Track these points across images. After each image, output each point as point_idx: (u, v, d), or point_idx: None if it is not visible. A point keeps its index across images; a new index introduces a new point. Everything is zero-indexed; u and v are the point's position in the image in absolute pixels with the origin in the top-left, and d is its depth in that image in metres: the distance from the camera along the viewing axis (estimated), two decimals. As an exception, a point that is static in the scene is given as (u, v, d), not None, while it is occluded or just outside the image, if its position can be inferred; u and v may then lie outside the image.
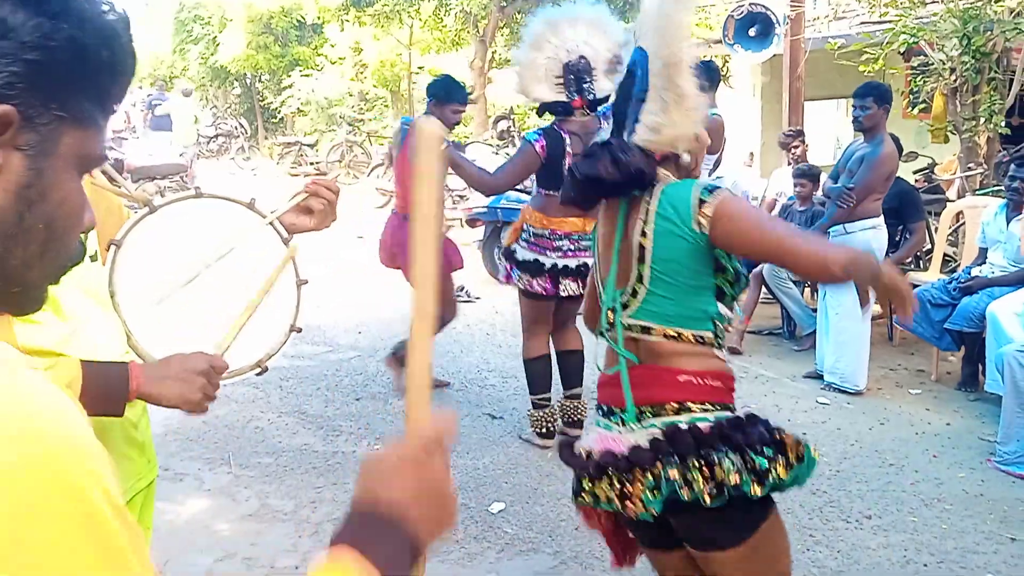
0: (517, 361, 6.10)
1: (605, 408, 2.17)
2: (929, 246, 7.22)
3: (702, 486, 1.95)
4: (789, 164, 7.99)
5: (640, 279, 2.09)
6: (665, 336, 2.08)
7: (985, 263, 5.69)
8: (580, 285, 4.36)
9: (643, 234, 2.07)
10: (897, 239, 6.45)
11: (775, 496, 2.19)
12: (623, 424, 2.08)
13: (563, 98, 4.29)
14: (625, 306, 2.13)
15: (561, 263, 4.39)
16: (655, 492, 1.98)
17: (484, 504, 3.95)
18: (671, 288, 2.06)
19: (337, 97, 20.08)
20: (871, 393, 5.58)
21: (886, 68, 7.99)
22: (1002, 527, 3.78)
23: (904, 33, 7.40)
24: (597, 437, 2.13)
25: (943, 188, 8.30)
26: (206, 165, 18.57)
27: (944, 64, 7.31)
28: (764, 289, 6.64)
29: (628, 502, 2.01)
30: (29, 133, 0.70)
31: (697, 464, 1.96)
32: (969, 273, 5.72)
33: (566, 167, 4.17)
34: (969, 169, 7.56)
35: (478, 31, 16.63)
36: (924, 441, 4.77)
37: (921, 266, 7.21)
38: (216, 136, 21.16)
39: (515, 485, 4.13)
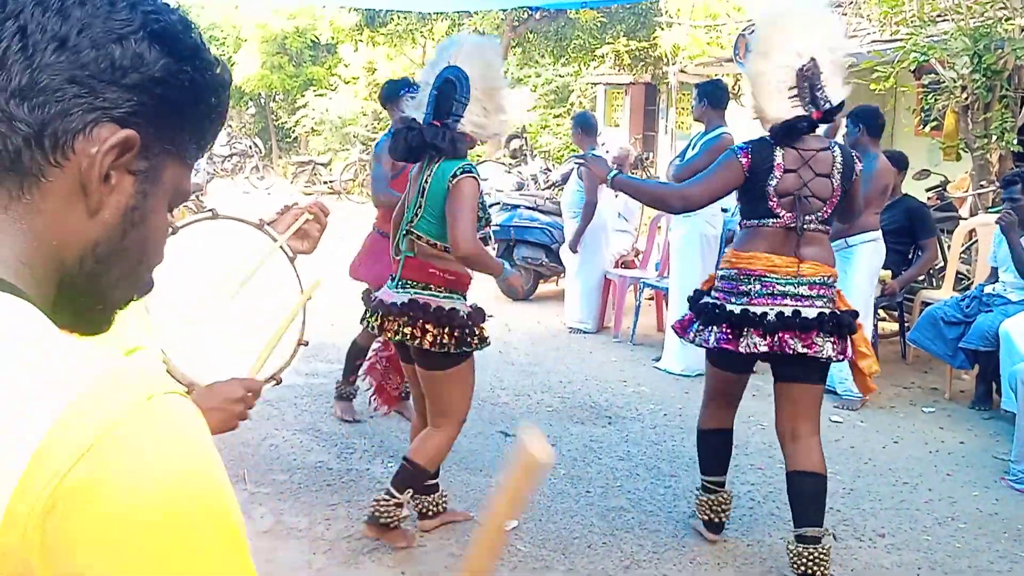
0: (529, 379, 6.13)
1: (392, 276, 3.64)
2: (942, 263, 7.22)
3: (419, 335, 3.44)
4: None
5: (419, 206, 3.51)
6: (427, 243, 3.52)
7: (997, 281, 5.69)
8: (768, 343, 3.37)
9: (426, 181, 3.50)
10: (909, 256, 6.45)
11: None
12: (395, 288, 3.58)
13: (801, 111, 3.40)
14: (411, 220, 3.53)
15: (739, 309, 3.44)
16: (400, 332, 3.48)
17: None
18: (433, 215, 3.47)
19: (351, 116, 20.21)
20: (884, 411, 5.57)
21: (897, 86, 8.00)
22: (1016, 546, 3.77)
23: (915, 51, 7.42)
24: (384, 292, 3.62)
25: (955, 206, 8.29)
26: (220, 184, 18.71)
27: (955, 82, 7.32)
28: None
29: (386, 329, 3.57)
30: (142, 160, 0.77)
31: (420, 323, 3.45)
32: (982, 291, 5.73)
33: (773, 185, 3.42)
34: (981, 187, 7.56)
35: (491, 50, 16.72)
36: (938, 459, 4.76)
37: (934, 284, 7.20)
38: (231, 155, 21.30)
39: (528, 503, 4.14)
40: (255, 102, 25.34)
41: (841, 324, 3.40)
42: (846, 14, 10.36)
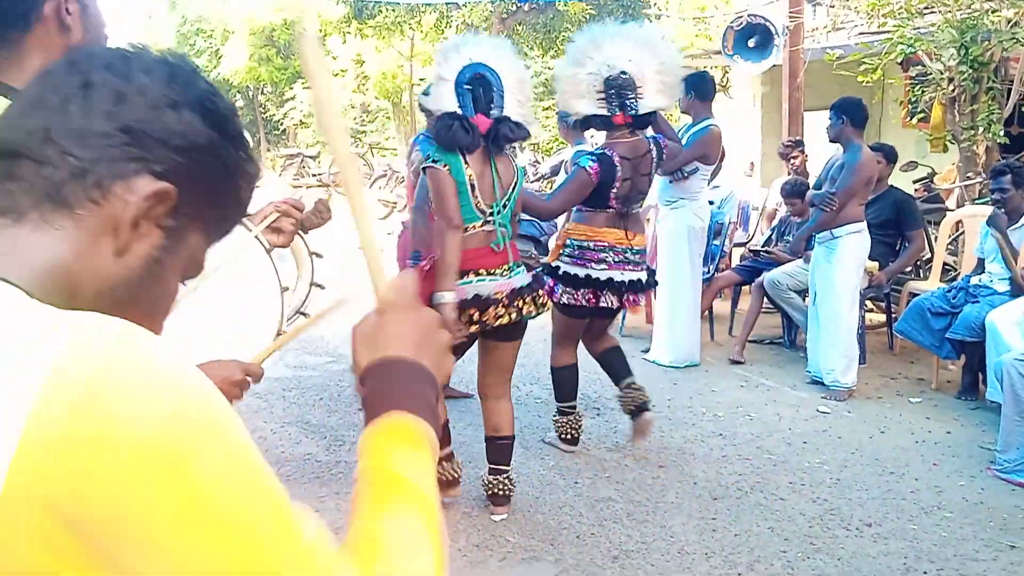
0: (519, 371, 6.11)
1: (498, 266, 3.74)
2: (929, 255, 7.25)
3: (537, 307, 3.79)
4: (789, 174, 8.02)
5: (510, 199, 3.74)
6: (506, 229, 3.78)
7: (984, 272, 5.72)
8: (619, 299, 4.45)
9: (509, 173, 3.75)
10: (896, 248, 6.48)
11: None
12: (511, 273, 3.74)
13: (605, 112, 4.31)
14: (499, 212, 3.71)
15: (604, 275, 4.41)
16: (531, 308, 3.77)
17: (486, 512, 3.97)
18: (513, 203, 3.79)
19: (339, 109, 20.17)
20: (871, 401, 5.60)
21: (885, 78, 8.03)
22: (1002, 535, 3.79)
23: (902, 43, 7.44)
24: (504, 281, 3.70)
25: (942, 197, 8.33)
26: (209, 177, 18.59)
27: (942, 74, 7.35)
28: (765, 299, 6.66)
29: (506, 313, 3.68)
30: (171, 219, 0.82)
31: (538, 295, 3.81)
32: (968, 282, 5.76)
33: (614, 191, 4.33)
34: (968, 178, 7.60)
35: (479, 43, 16.69)
36: (924, 449, 4.79)
37: (921, 275, 7.23)
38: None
39: (517, 494, 4.14)
40: (243, 94, 25.25)
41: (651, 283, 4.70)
42: (834, 6, 10.39)
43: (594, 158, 4.38)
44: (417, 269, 3.63)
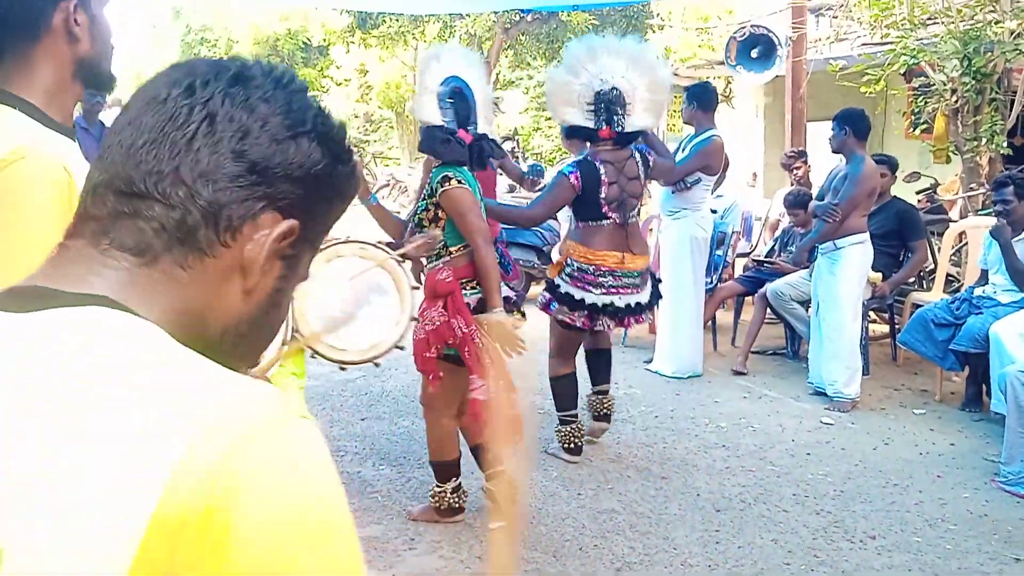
0: (521, 382, 6.11)
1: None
2: (932, 266, 7.24)
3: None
4: (792, 185, 8.02)
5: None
6: None
7: (987, 283, 5.71)
8: (616, 323, 4.54)
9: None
10: (900, 259, 6.48)
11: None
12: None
13: (590, 125, 4.35)
14: None
15: (601, 301, 4.43)
16: None
17: (487, 524, 3.95)
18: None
19: (343, 118, 20.21)
20: (875, 413, 5.59)
21: (887, 89, 8.04)
22: (1006, 547, 3.78)
23: (905, 54, 7.44)
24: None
25: (946, 208, 8.32)
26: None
27: (945, 85, 7.36)
28: (768, 310, 6.66)
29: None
30: (292, 247, 0.82)
31: None
32: (972, 293, 5.75)
33: (603, 196, 4.35)
34: (971, 189, 7.59)
35: (482, 52, 16.73)
36: (928, 461, 4.77)
37: (924, 286, 7.22)
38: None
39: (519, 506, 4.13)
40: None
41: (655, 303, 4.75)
42: (837, 17, 10.40)
43: (573, 165, 4.45)
44: (439, 282, 3.60)
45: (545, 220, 4.75)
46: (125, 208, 0.76)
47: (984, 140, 7.21)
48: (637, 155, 4.54)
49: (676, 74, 12.86)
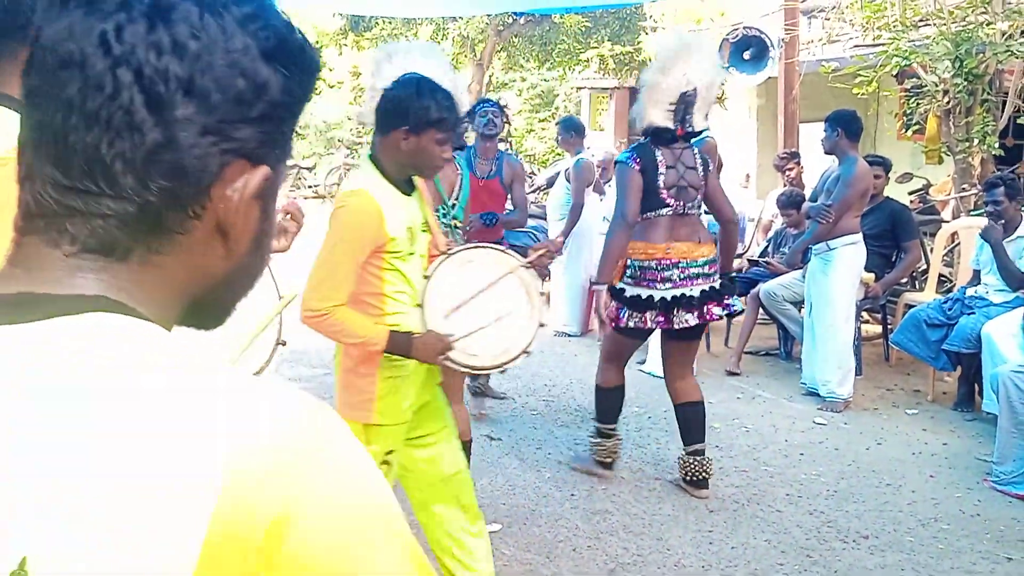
0: (514, 383, 6.12)
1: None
2: (925, 266, 7.26)
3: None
4: (784, 186, 8.03)
5: (458, 197, 3.73)
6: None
7: (980, 284, 5.73)
8: (697, 315, 4.14)
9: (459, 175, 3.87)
10: (892, 259, 6.49)
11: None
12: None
13: (671, 124, 4.17)
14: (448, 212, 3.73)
15: (672, 294, 4.13)
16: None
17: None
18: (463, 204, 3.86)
19: (336, 120, 20.20)
20: (867, 413, 5.59)
21: (880, 90, 8.06)
22: (998, 547, 3.78)
23: (897, 56, 7.46)
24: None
25: (938, 209, 8.34)
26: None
27: (937, 86, 7.38)
28: (761, 311, 6.66)
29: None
30: (266, 188, 0.74)
31: None
32: (964, 293, 5.76)
33: (661, 182, 4.13)
34: (963, 190, 7.61)
35: (475, 55, 16.75)
36: (921, 461, 4.78)
37: (917, 286, 7.24)
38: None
39: (512, 507, 4.13)
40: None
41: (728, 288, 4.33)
42: (829, 19, 10.43)
43: (629, 151, 4.27)
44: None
45: (637, 214, 4.21)
46: (73, 204, 0.68)
47: (976, 141, 7.24)
48: (695, 150, 4.31)
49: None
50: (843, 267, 5.65)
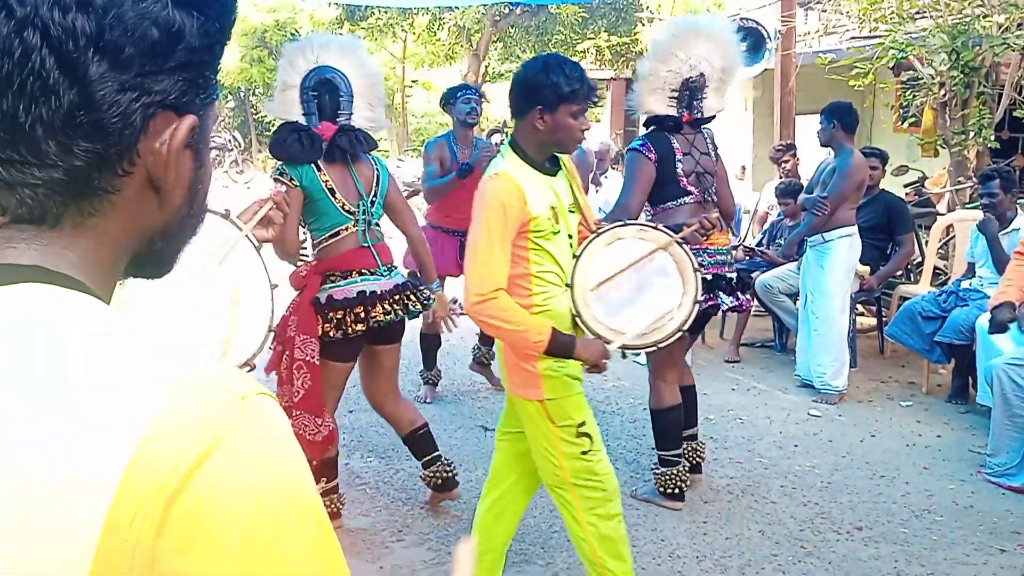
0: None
1: (375, 266, 3.59)
2: (920, 259, 7.27)
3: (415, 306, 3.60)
4: (780, 178, 8.03)
5: (376, 194, 3.61)
6: (379, 228, 3.64)
7: (974, 276, 5.74)
8: (732, 297, 4.02)
9: (377, 171, 3.64)
10: (887, 252, 6.50)
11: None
12: (386, 275, 3.58)
13: (674, 112, 4.06)
14: (370, 212, 3.56)
15: (710, 275, 3.94)
16: (404, 309, 3.57)
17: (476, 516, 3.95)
18: (382, 201, 3.64)
19: None
20: (862, 405, 5.61)
21: (876, 82, 8.05)
22: (992, 538, 3.80)
23: (893, 48, 7.45)
24: (379, 281, 3.55)
25: (933, 202, 8.35)
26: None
27: (933, 78, 7.37)
28: (756, 302, 6.67)
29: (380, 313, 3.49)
30: (197, 135, 0.73)
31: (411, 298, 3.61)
32: (959, 286, 5.77)
33: (680, 169, 4.00)
34: (959, 183, 7.61)
35: (471, 45, 16.71)
36: (915, 453, 4.79)
37: (912, 279, 7.25)
38: (210, 149, 21.15)
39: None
40: (235, 96, 25.20)
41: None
42: (826, 10, 10.41)
43: (642, 139, 4.11)
44: (293, 276, 3.49)
45: (641, 207, 4.14)
46: None
47: (972, 134, 7.23)
48: (705, 133, 4.19)
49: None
50: (838, 259, 5.66)
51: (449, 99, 5.58)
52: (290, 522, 0.63)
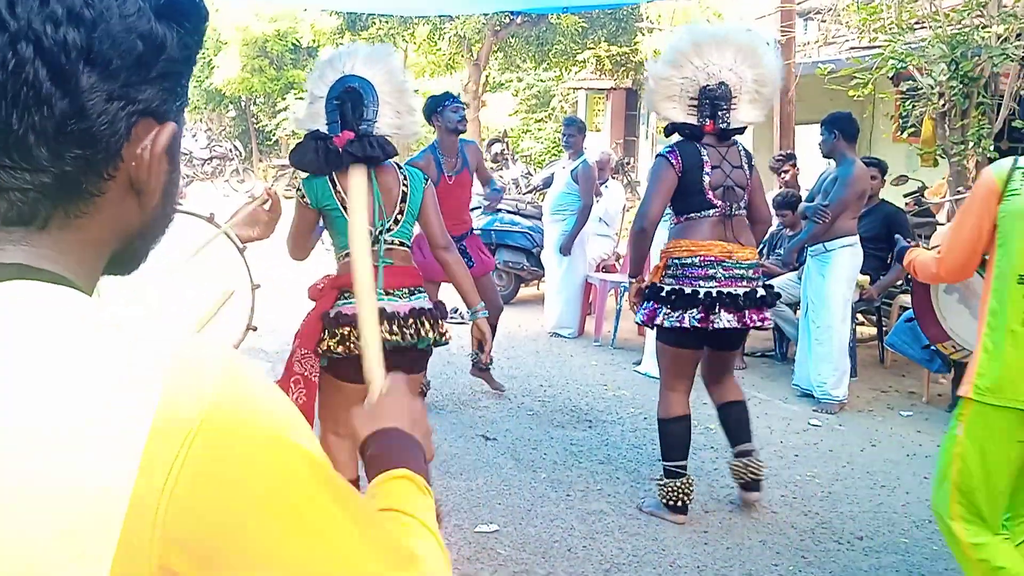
0: (510, 383, 6.13)
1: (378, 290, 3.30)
2: (920, 269, 7.26)
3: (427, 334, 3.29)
4: (780, 188, 8.05)
5: (402, 212, 3.36)
6: (403, 247, 3.36)
7: (974, 286, 5.74)
8: (738, 318, 3.86)
9: (405, 186, 3.38)
10: (888, 262, 6.51)
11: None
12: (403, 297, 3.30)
13: (694, 121, 3.94)
14: (388, 229, 3.32)
15: (716, 290, 3.86)
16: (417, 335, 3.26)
17: (477, 525, 3.95)
18: (412, 220, 3.40)
19: None
20: (862, 414, 5.61)
21: (875, 93, 8.07)
22: (993, 548, 3.79)
23: (893, 58, 7.48)
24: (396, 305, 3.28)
25: (933, 212, 8.36)
26: (200, 187, 18.61)
27: (933, 89, 7.39)
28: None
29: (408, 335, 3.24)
30: (172, 142, 0.78)
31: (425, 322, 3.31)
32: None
33: (706, 181, 3.91)
34: (958, 193, 7.62)
35: (472, 55, 16.75)
36: (915, 463, 4.79)
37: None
38: (211, 158, 21.19)
39: (508, 507, 4.13)
40: (235, 105, 25.24)
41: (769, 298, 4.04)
42: (825, 21, 10.45)
43: (671, 146, 4.00)
44: (311, 289, 3.37)
45: (661, 214, 4.04)
46: None
47: (971, 144, 7.25)
48: (740, 146, 4.09)
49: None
50: (839, 269, 5.67)
51: (435, 108, 5.48)
52: (300, 472, 0.70)
